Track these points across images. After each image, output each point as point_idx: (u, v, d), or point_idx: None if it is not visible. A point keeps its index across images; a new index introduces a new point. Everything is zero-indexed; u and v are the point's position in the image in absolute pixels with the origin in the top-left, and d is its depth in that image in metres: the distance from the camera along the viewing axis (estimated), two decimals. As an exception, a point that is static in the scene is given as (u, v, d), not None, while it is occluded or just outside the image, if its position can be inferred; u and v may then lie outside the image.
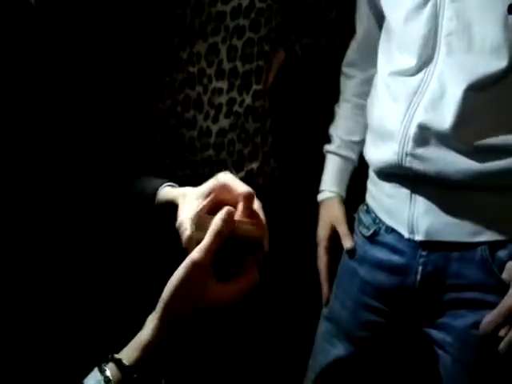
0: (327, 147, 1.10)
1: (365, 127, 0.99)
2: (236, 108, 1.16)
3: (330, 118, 1.13)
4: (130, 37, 1.15)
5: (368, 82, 0.99)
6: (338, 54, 1.19)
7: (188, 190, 0.63)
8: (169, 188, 0.67)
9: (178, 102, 1.14)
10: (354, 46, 1.07)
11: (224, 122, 1.16)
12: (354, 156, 1.06)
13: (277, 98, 1.28)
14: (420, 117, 0.79)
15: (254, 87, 1.17)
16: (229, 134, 1.17)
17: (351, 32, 1.12)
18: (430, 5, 0.77)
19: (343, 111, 1.08)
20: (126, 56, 1.15)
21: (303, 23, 1.26)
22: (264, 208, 0.59)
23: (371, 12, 0.99)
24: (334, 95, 1.14)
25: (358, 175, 1.08)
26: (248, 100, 1.17)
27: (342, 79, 1.08)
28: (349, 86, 1.07)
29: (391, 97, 0.86)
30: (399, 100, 0.83)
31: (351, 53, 1.07)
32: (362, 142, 1.02)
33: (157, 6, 1.10)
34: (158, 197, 0.67)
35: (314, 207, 1.13)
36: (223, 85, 1.14)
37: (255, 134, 1.22)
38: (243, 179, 1.19)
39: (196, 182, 0.65)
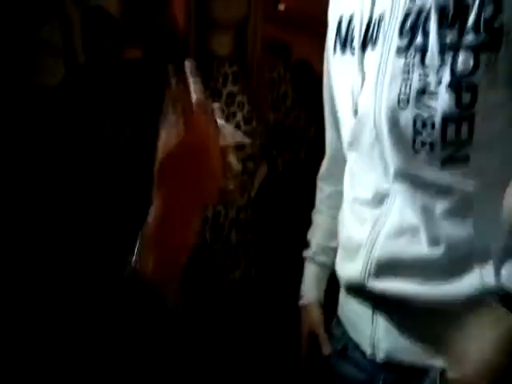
0: (305, 253, 1.13)
1: (339, 231, 1.02)
2: (221, 220, 1.20)
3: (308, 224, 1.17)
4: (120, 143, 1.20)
5: (339, 195, 1.00)
6: (316, 167, 1.26)
7: None
8: None
9: None
10: (324, 162, 1.12)
11: (208, 235, 1.19)
12: (330, 262, 1.08)
13: (259, 209, 1.33)
14: (382, 243, 0.81)
15: (238, 202, 1.23)
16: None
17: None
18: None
19: (319, 220, 1.12)
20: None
21: (284, 141, 1.34)
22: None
23: (336, 135, 1.01)
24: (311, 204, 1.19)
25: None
26: (232, 213, 1.21)
27: (317, 191, 1.14)
28: (321, 198, 1.12)
29: (355, 219, 0.89)
30: (363, 224, 0.85)
31: (323, 168, 1.12)
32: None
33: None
34: None
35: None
36: None
37: (238, 246, 1.25)
38: (225, 289, 1.22)
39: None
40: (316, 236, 1.11)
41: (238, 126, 1.19)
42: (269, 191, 1.41)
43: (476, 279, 0.74)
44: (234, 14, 1.19)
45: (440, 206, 0.75)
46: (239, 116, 1.21)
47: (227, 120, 1.16)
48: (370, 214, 0.83)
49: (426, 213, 0.76)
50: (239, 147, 1.18)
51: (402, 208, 0.78)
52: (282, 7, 5.33)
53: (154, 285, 0.53)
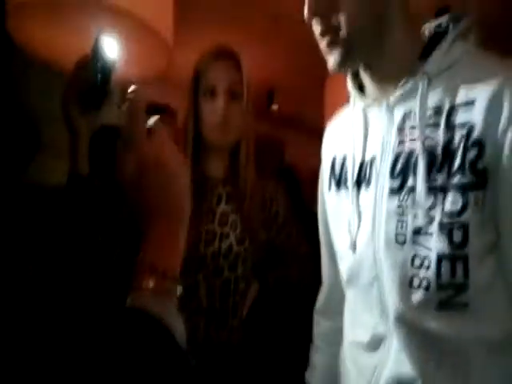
0: None
1: (339, 375, 0.96)
2: (214, 342, 1.16)
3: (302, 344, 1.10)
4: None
5: (337, 332, 0.97)
6: (308, 285, 1.22)
7: None
8: None
9: None
10: (321, 295, 1.08)
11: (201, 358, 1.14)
12: None
13: (251, 330, 1.27)
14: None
15: (231, 322, 1.19)
16: None
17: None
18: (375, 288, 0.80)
19: (318, 361, 1.06)
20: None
21: (276, 258, 1.32)
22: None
23: (333, 268, 0.99)
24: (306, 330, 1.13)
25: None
26: (223, 336, 1.18)
27: (314, 324, 1.09)
28: (319, 334, 1.07)
29: (354, 366, 0.86)
30: (361, 374, 0.83)
31: (320, 301, 1.09)
32: None
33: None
34: None
35: None
36: (201, 321, 1.15)
37: (230, 367, 1.19)
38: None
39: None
40: (315, 377, 1.04)
41: (230, 247, 1.19)
42: (260, 309, 1.35)
43: None
44: (228, 138, 1.24)
45: (437, 357, 0.73)
46: (232, 237, 1.21)
47: (220, 241, 1.16)
48: (367, 361, 0.82)
49: (423, 363, 0.74)
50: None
51: (398, 357, 0.77)
52: (275, 107, 5.57)
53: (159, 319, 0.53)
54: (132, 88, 0.68)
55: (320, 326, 1.07)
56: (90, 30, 0.96)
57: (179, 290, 0.58)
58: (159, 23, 1.09)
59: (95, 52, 0.82)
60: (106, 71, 0.83)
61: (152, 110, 0.86)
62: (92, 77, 0.82)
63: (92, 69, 0.82)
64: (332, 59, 0.77)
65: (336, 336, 0.97)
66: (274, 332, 1.43)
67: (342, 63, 0.77)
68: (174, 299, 0.57)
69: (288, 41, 3.98)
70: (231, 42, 1.25)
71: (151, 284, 0.54)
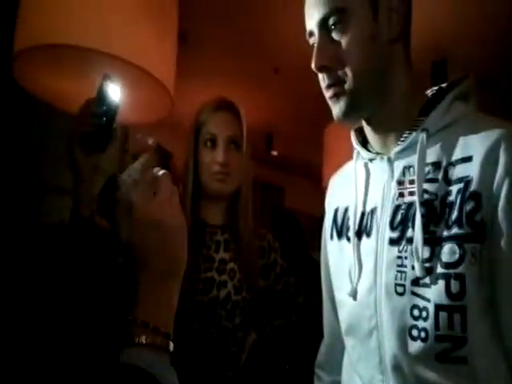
0: None
1: None
2: None
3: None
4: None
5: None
6: (307, 332, 1.19)
7: None
8: None
9: None
10: (322, 348, 1.08)
11: None
12: None
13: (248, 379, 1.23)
14: None
15: (228, 373, 1.16)
16: None
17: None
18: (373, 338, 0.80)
19: None
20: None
21: (274, 307, 1.30)
22: None
23: (334, 320, 0.98)
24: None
25: None
26: None
27: (315, 379, 1.07)
28: None
29: None
30: None
31: (321, 355, 1.07)
32: None
33: None
34: None
35: None
36: (197, 370, 1.12)
37: None
38: None
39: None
40: None
41: (228, 296, 1.17)
42: (258, 359, 1.32)
43: None
44: (227, 188, 1.25)
45: None
46: (230, 286, 1.19)
47: (218, 289, 1.14)
48: None
49: None
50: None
51: None
52: (275, 153, 5.64)
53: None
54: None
55: (320, 380, 1.04)
56: (93, 76, 0.98)
57: (171, 346, 0.58)
58: (161, 71, 1.12)
59: (100, 95, 0.83)
60: (110, 114, 0.84)
61: (160, 153, 0.87)
62: (97, 120, 0.83)
63: (97, 112, 0.83)
64: (337, 109, 0.80)
65: None
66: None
67: (347, 113, 0.79)
68: (167, 354, 0.57)
69: (288, 90, 4.08)
70: (232, 89, 1.28)
71: (143, 340, 0.55)
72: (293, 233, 2.44)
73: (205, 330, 1.13)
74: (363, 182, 0.86)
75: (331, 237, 0.93)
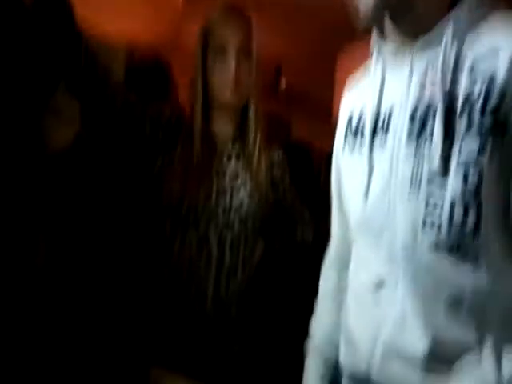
0: (308, 345, 1.07)
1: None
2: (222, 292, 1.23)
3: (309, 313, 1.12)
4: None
5: (344, 288, 0.97)
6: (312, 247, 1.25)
7: None
8: None
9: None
10: (330, 248, 1.08)
11: (209, 309, 1.22)
12: (334, 356, 1.03)
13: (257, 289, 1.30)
14: (384, 337, 0.80)
15: (240, 275, 1.25)
16: None
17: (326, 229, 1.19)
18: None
19: (323, 310, 1.06)
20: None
21: (282, 220, 1.35)
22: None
23: (342, 233, 1.01)
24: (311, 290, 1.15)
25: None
26: (233, 287, 1.24)
27: (321, 281, 1.09)
28: (327, 289, 1.06)
29: (359, 309, 0.87)
30: (366, 314, 0.85)
31: (329, 254, 1.08)
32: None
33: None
34: None
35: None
36: (211, 271, 1.22)
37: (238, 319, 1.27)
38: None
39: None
40: (320, 327, 1.06)
41: (242, 202, 1.23)
42: (267, 269, 1.39)
43: (478, 374, 0.73)
44: (238, 97, 1.25)
45: (442, 298, 0.75)
46: (243, 192, 1.25)
47: (232, 195, 1.19)
48: (371, 304, 0.83)
49: (429, 305, 0.76)
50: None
51: (403, 299, 0.78)
52: (283, 84, 5.53)
53: None
54: None
55: (329, 280, 1.07)
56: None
57: None
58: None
59: None
60: None
61: (142, 67, 0.87)
62: None
63: None
64: (365, 3, 0.77)
65: (342, 292, 0.98)
66: (279, 293, 1.47)
67: (376, 6, 0.76)
68: None
69: (298, 16, 3.95)
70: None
71: None
72: (303, 162, 2.46)
73: (219, 233, 1.19)
74: (380, 78, 0.85)
75: (345, 140, 0.93)
